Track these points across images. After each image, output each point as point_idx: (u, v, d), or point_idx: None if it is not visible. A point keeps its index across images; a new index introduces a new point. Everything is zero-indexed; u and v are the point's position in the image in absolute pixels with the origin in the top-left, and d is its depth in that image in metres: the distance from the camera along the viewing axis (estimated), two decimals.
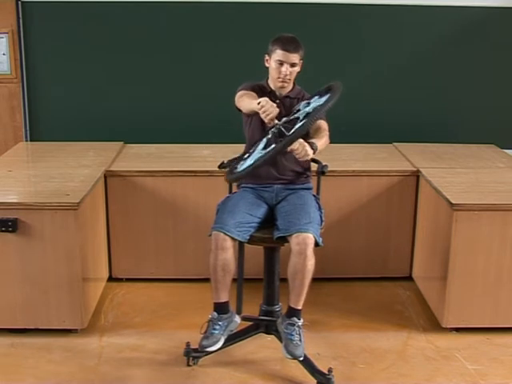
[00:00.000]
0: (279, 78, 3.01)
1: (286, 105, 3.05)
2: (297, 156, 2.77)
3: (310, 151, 2.77)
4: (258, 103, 2.77)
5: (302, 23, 4.33)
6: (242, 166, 2.85)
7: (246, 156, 2.97)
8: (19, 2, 4.28)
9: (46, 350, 3.16)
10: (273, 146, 2.75)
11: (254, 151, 2.91)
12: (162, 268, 3.88)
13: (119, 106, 4.47)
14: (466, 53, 4.47)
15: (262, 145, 2.88)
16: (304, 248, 2.76)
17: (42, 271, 3.18)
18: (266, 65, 3.04)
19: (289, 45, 2.97)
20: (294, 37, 3.03)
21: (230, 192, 3.19)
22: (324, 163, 3.17)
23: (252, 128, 3.09)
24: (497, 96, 4.54)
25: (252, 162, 2.80)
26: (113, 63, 4.42)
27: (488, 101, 4.53)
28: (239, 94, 3.03)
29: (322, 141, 2.90)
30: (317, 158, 3.24)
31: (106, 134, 4.40)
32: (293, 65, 2.99)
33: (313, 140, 2.85)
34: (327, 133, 2.99)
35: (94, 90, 4.46)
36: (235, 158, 3.05)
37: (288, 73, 2.99)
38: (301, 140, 2.74)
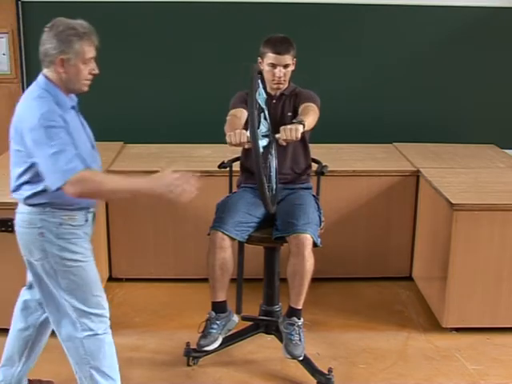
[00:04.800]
0: (274, 80, 3.00)
1: (281, 102, 3.06)
2: (289, 140, 2.66)
3: (300, 126, 2.66)
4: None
5: (303, 24, 4.33)
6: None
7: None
8: (19, 2, 4.27)
9: (46, 349, 3.15)
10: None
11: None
12: (161, 268, 3.88)
13: (119, 106, 4.46)
14: (466, 53, 4.46)
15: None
16: (302, 249, 2.76)
17: None
18: (260, 67, 3.03)
19: (280, 47, 2.94)
20: (285, 37, 3.00)
21: (230, 192, 3.19)
22: (324, 163, 3.17)
23: None
24: (497, 96, 4.53)
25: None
26: (112, 63, 4.38)
27: (488, 101, 4.53)
28: (229, 115, 2.95)
29: (309, 118, 2.80)
30: (317, 158, 3.25)
31: (106, 134, 4.38)
32: (286, 66, 2.98)
33: (299, 118, 2.77)
34: (313, 107, 2.92)
35: (94, 90, 4.43)
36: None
37: (282, 75, 2.98)
38: (283, 126, 2.67)
